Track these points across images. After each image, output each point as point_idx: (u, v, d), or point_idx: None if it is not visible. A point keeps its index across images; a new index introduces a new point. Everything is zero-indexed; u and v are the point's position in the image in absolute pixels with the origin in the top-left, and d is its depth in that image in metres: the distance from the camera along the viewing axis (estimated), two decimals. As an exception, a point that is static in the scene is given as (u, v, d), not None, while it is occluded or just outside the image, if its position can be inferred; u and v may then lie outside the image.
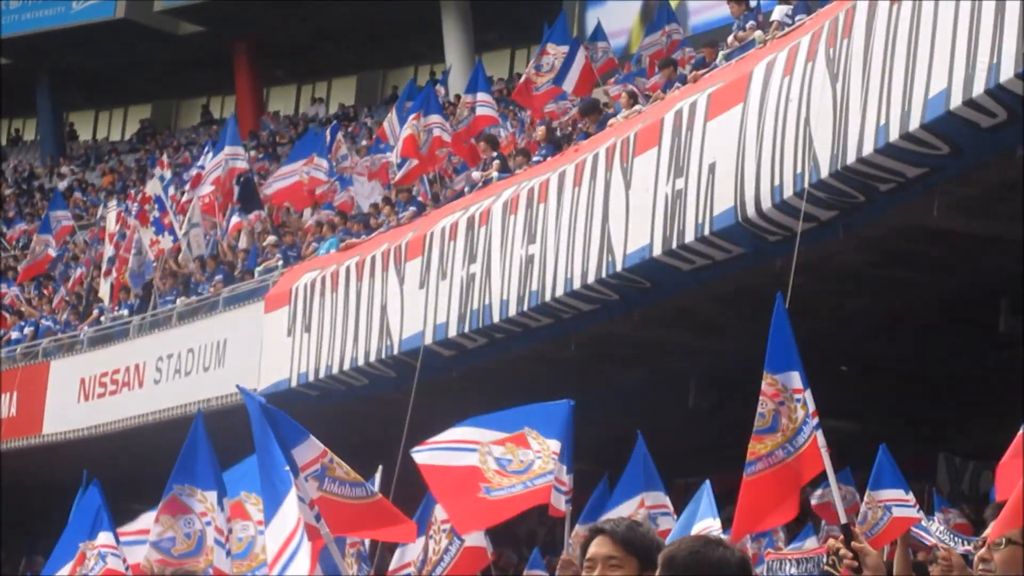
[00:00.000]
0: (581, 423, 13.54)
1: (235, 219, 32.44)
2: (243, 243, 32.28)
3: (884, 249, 19.64)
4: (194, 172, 33.83)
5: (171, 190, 33.11)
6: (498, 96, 32.89)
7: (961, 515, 18.24)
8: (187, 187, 33.64)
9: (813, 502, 17.87)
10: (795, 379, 9.83)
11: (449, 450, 12.65)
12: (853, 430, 13.65)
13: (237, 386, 13.85)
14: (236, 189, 31.89)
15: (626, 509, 14.72)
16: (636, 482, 15.04)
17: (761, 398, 9.90)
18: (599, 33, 30.45)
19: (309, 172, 31.92)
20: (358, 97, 44.10)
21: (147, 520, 15.30)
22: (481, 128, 29.02)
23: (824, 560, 15.62)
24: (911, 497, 13.18)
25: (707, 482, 14.04)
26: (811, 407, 9.67)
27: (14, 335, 35.27)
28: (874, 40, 17.60)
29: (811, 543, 18.09)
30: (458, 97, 32.13)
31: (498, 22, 39.62)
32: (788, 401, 9.83)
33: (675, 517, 14.47)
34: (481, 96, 29.78)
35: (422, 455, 12.66)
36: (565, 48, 28.59)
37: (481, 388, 23.67)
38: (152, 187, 33.03)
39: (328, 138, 34.52)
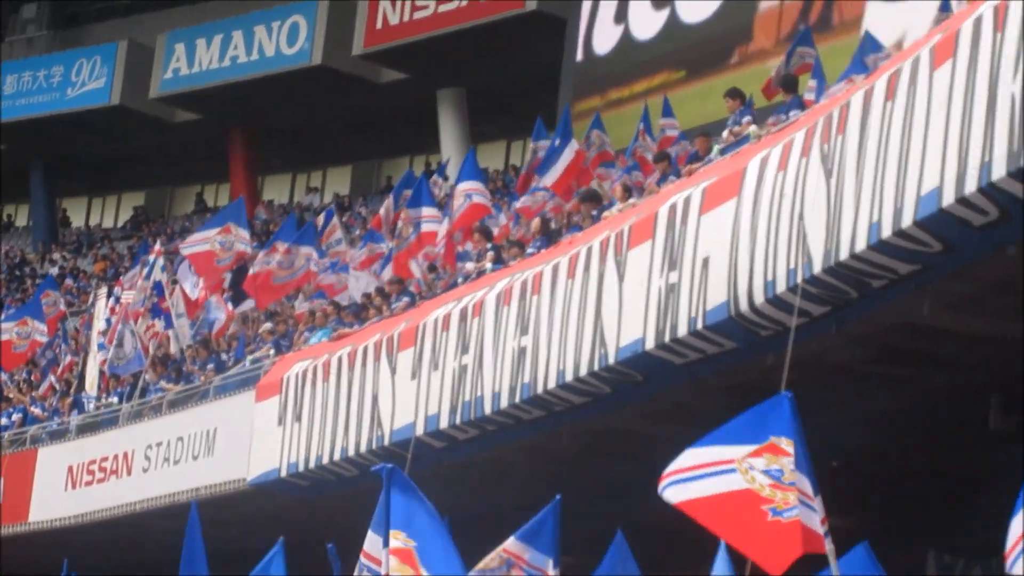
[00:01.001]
0: (571, 515, 13.68)
1: (228, 308, 32.56)
2: (231, 329, 32.40)
3: (876, 345, 19.76)
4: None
5: (164, 277, 33.20)
6: (493, 187, 33.06)
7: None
8: (178, 279, 33.74)
9: None
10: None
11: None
12: (844, 525, 13.72)
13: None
14: (228, 277, 31.99)
15: None
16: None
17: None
18: (597, 123, 30.64)
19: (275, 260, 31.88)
20: (353, 186, 44.26)
21: None
22: (472, 217, 29.21)
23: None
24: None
25: None
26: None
27: (2, 421, 35.30)
28: (868, 137, 17.79)
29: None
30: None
31: (494, 114, 39.80)
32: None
33: None
34: (474, 185, 29.92)
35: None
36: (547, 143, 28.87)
37: (472, 479, 23.74)
38: (154, 274, 33.12)
39: (322, 222, 34.74)
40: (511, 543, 12.26)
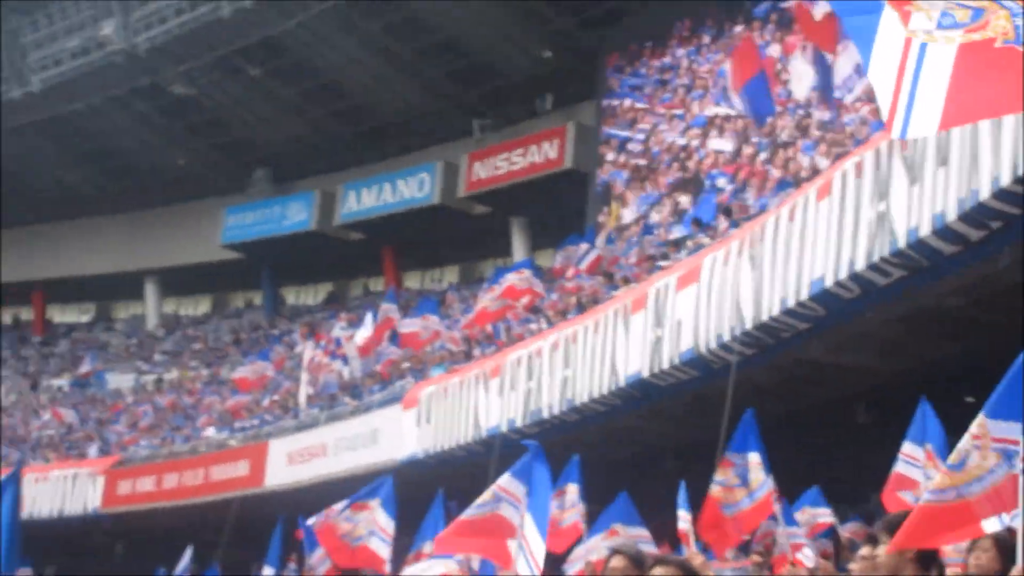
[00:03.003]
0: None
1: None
2: (386, 369, 32.44)
3: (786, 373, 19.75)
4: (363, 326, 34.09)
5: (344, 334, 33.36)
6: (547, 278, 33.12)
7: None
8: (353, 334, 33.89)
9: None
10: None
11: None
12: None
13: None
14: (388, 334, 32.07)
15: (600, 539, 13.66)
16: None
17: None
18: (610, 239, 30.78)
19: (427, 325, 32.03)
20: (459, 278, 44.38)
21: None
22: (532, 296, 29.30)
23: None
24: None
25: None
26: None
27: (248, 425, 35.48)
28: (779, 243, 17.84)
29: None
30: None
31: (547, 232, 39.92)
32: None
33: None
34: (532, 278, 30.05)
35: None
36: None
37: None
38: (335, 332, 33.25)
39: (443, 299, 35.06)
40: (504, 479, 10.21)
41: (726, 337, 18.81)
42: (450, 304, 34.23)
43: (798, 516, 13.53)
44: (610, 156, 34.88)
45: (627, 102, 34.79)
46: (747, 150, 29.47)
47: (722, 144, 30.46)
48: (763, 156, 28.67)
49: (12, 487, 5.58)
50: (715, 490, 10.33)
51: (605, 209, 34.74)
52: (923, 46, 6.06)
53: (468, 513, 10.31)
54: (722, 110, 29.62)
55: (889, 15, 6.14)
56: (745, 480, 10.30)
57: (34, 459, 40.87)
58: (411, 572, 13.97)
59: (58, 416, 42.80)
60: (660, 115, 33.22)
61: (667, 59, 33.54)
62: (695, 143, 31.56)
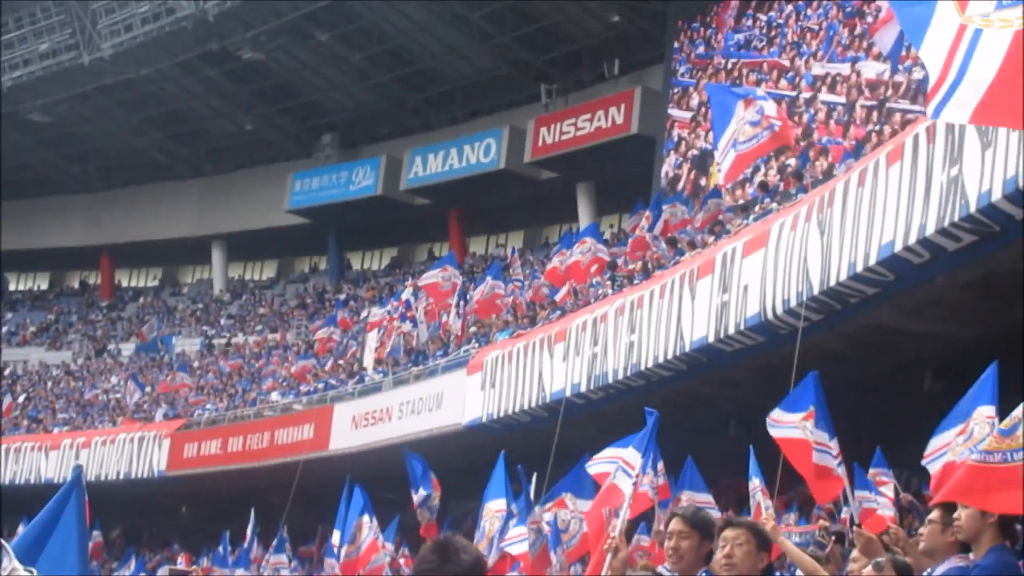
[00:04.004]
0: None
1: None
2: (452, 333, 32.47)
3: (853, 339, 19.60)
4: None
5: (412, 300, 33.39)
6: (612, 243, 32.97)
7: None
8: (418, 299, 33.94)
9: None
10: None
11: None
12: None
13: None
14: (454, 300, 32.11)
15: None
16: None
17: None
18: (678, 197, 30.61)
19: (494, 289, 32.05)
20: (524, 243, 44.38)
21: None
22: (598, 261, 29.22)
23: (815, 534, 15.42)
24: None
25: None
26: None
27: (313, 389, 35.65)
28: (847, 208, 17.67)
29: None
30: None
31: (612, 196, 39.80)
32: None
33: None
34: (597, 244, 29.98)
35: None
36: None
37: (603, 427, 23.71)
38: (405, 294, 33.32)
39: (508, 258, 35.14)
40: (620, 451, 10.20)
41: (793, 302, 18.66)
42: (515, 269, 34.16)
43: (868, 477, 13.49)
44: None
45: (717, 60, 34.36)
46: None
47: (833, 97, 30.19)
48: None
49: (77, 490, 5.56)
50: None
51: (694, 175, 34.43)
52: (977, 32, 5.95)
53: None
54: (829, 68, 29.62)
55: (945, 5, 6.05)
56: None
57: (101, 422, 41.37)
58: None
59: (125, 380, 43.22)
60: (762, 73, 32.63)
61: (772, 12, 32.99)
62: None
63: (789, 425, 10.16)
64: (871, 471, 13.91)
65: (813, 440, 9.84)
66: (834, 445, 9.82)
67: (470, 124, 43.47)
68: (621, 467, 10.03)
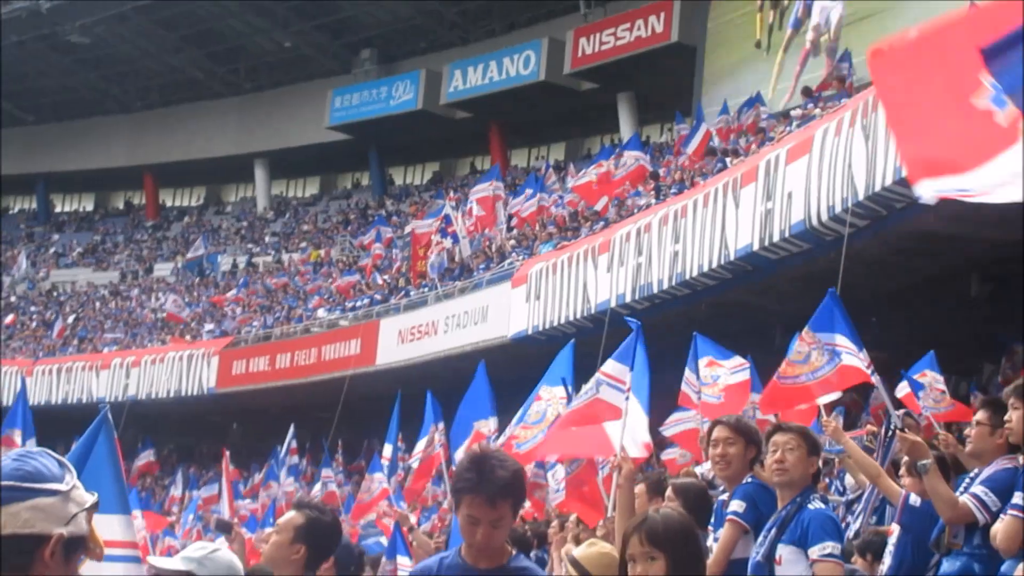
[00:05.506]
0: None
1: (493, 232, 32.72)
2: (495, 246, 32.53)
3: (899, 245, 19.52)
4: (468, 205, 34.15)
5: (454, 213, 33.44)
6: (656, 153, 32.86)
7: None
8: (461, 213, 33.96)
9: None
10: (836, 338, 9.46)
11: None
12: (880, 357, 13.43)
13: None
14: (499, 213, 32.11)
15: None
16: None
17: (799, 344, 9.68)
18: (724, 109, 30.38)
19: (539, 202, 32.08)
20: (565, 155, 44.20)
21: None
22: (639, 171, 29.15)
23: (863, 439, 15.43)
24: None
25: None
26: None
27: (358, 304, 35.79)
28: (892, 113, 17.52)
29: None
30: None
31: (653, 106, 39.58)
32: (818, 349, 9.46)
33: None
34: (639, 153, 29.87)
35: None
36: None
37: (647, 336, 23.74)
38: (446, 210, 33.37)
39: (544, 173, 35.15)
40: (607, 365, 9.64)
41: (838, 209, 18.59)
42: (557, 181, 34.10)
43: (919, 379, 13.45)
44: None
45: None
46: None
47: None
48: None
49: (105, 428, 5.52)
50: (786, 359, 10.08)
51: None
52: None
53: (571, 406, 10.01)
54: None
55: None
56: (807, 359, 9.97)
57: (150, 341, 41.74)
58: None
59: (171, 299, 43.54)
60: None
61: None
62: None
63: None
64: (921, 373, 13.89)
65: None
66: (864, 356, 9.66)
67: (508, 37, 43.19)
68: (606, 382, 9.60)
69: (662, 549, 4.36)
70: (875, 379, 9.73)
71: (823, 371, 9.68)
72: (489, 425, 14.06)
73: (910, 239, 19.20)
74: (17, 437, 11.52)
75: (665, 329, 20.06)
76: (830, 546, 6.19)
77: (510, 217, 32.22)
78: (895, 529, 8.56)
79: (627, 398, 9.25)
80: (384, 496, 16.93)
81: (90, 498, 3.06)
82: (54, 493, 2.97)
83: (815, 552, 6.15)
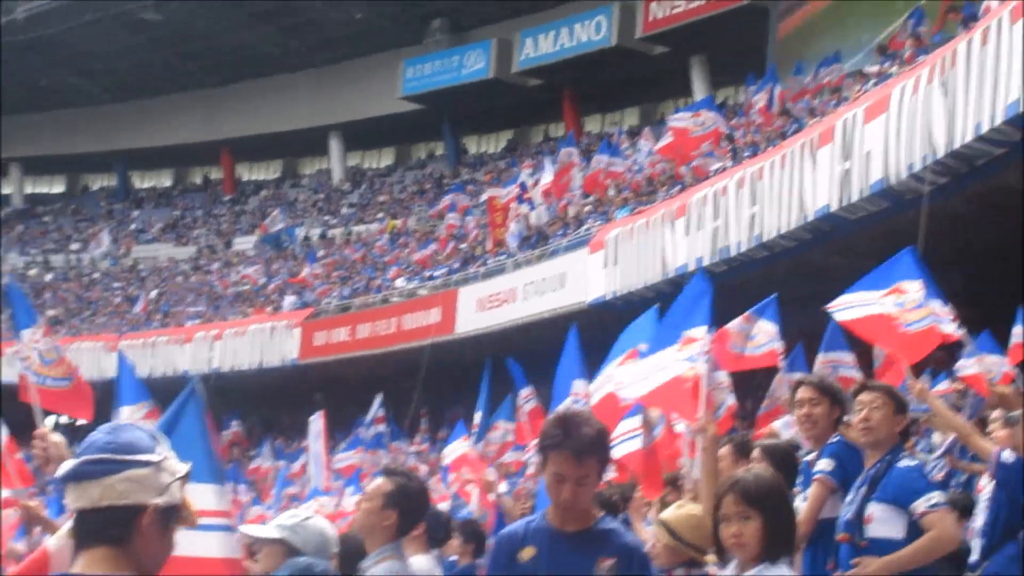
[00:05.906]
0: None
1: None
2: (571, 213, 32.54)
3: (980, 202, 19.37)
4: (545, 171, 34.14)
5: (530, 180, 33.50)
6: (730, 116, 32.70)
7: None
8: (536, 180, 33.99)
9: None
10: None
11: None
12: (970, 315, 13.14)
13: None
14: (572, 179, 32.12)
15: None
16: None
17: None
18: (800, 68, 30.21)
19: (609, 167, 32.07)
20: (640, 120, 44.09)
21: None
22: (715, 133, 29.02)
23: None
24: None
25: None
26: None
27: (437, 274, 35.97)
28: (972, 69, 17.39)
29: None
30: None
31: (726, 69, 39.36)
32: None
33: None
34: (714, 115, 29.71)
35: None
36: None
37: (726, 299, 23.72)
38: (522, 177, 33.41)
39: (617, 138, 35.12)
40: None
41: (917, 167, 18.47)
42: (625, 149, 34.03)
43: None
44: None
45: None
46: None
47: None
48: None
49: (193, 401, 5.56)
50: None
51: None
52: None
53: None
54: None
55: None
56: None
57: (232, 314, 42.18)
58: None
59: (251, 272, 43.95)
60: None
61: None
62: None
63: (862, 304, 9.80)
64: (1015, 329, 13.73)
65: (900, 312, 9.51)
66: (948, 311, 9.50)
67: (579, 3, 43.08)
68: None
69: (756, 508, 4.44)
70: (963, 335, 9.64)
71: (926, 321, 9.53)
72: (586, 387, 13.98)
73: (992, 196, 19.04)
74: (143, 410, 11.02)
75: (744, 291, 20.01)
76: (936, 495, 6.22)
77: (586, 183, 32.20)
78: (986, 486, 8.55)
79: (707, 359, 8.93)
80: (464, 463, 16.83)
81: (183, 468, 3.13)
82: (147, 464, 3.04)
83: (921, 505, 6.16)
